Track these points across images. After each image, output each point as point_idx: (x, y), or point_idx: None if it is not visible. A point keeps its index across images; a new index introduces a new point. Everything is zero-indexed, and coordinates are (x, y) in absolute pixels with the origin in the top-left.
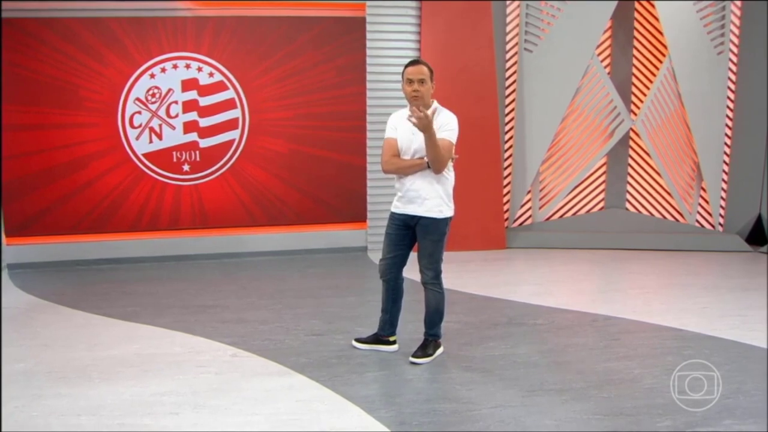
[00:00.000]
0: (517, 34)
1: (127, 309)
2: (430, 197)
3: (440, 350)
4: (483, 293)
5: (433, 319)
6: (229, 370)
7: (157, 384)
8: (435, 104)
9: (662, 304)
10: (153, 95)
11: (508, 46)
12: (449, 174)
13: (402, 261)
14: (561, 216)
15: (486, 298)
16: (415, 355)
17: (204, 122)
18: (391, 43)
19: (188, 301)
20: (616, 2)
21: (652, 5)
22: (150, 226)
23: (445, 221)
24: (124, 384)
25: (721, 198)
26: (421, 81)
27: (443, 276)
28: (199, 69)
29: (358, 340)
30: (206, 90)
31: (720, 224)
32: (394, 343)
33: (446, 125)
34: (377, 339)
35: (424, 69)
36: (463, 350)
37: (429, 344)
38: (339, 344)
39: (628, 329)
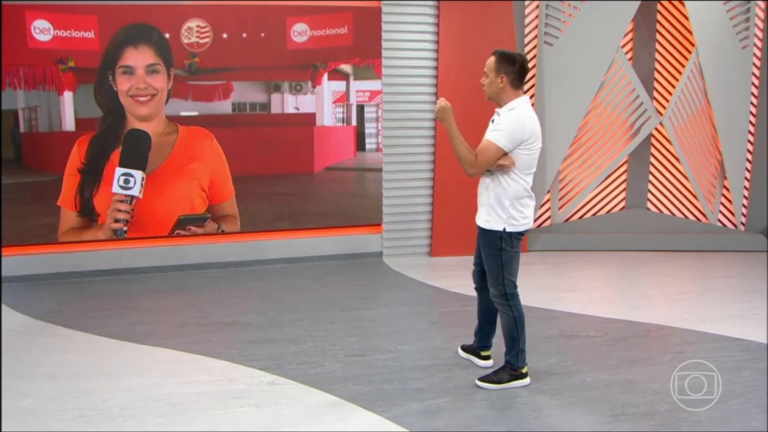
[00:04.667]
0: (535, 27)
1: (136, 328)
2: (482, 204)
3: (518, 383)
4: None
5: (506, 342)
6: (271, 402)
7: (191, 422)
8: (512, 104)
9: (711, 311)
10: None
11: (526, 39)
12: (507, 181)
13: (484, 272)
14: (581, 217)
15: (525, 307)
16: (482, 378)
17: None
18: (408, 37)
19: (203, 317)
20: (640, 1)
21: (681, 3)
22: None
23: (495, 234)
24: (152, 423)
25: (743, 196)
26: (485, 73)
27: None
28: None
29: (463, 348)
30: None
31: (742, 223)
32: (486, 358)
33: (496, 125)
34: (473, 350)
35: (489, 59)
36: None
37: (503, 371)
38: (386, 365)
39: (687, 340)
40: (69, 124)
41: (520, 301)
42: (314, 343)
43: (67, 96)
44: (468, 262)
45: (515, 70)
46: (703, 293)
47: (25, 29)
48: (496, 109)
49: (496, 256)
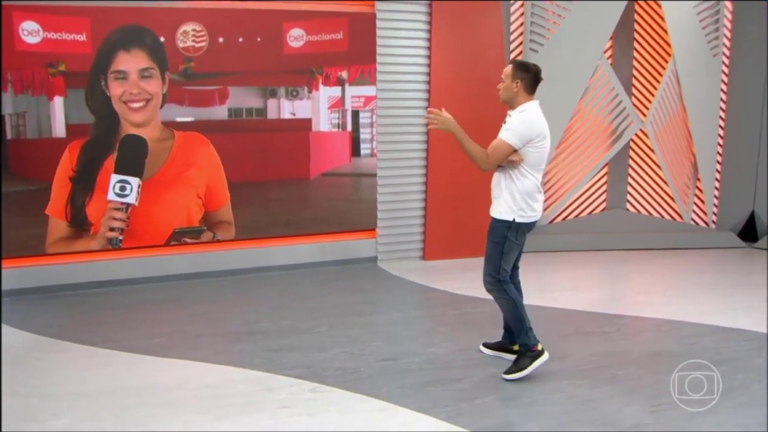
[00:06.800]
0: (521, 34)
1: (151, 340)
2: (495, 198)
3: (539, 361)
4: (525, 301)
5: (514, 327)
6: (321, 410)
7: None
8: (523, 107)
9: (706, 305)
10: None
11: (512, 46)
12: (518, 177)
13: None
14: (564, 218)
15: (531, 306)
16: (507, 371)
17: None
18: (402, 43)
19: (215, 327)
20: (625, 2)
21: (651, 6)
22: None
23: (504, 224)
24: None
25: (714, 197)
26: (502, 79)
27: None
28: None
29: (485, 345)
30: None
31: (713, 222)
32: (516, 352)
33: (507, 125)
34: (501, 346)
35: (507, 67)
36: (555, 364)
37: (522, 357)
38: (422, 368)
39: (697, 332)
40: (59, 130)
41: (511, 286)
42: (342, 349)
43: (58, 101)
44: (462, 264)
45: (530, 77)
46: (694, 288)
47: (13, 31)
48: (509, 112)
49: (499, 244)
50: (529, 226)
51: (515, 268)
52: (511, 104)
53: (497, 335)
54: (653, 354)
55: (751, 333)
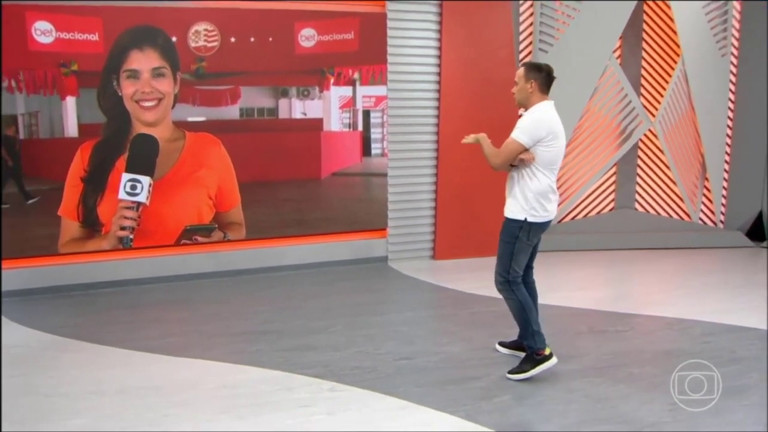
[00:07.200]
0: (530, 34)
1: (166, 340)
2: (509, 197)
3: (544, 365)
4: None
5: (521, 327)
6: (341, 409)
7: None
8: (536, 107)
9: (716, 304)
10: None
11: (521, 46)
12: (531, 176)
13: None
14: (573, 218)
15: (543, 305)
16: (511, 371)
17: None
18: (412, 43)
19: (229, 327)
20: (634, 2)
21: (659, 6)
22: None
23: (515, 224)
24: None
25: (722, 196)
26: (516, 83)
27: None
28: None
29: (501, 344)
30: None
31: (721, 221)
32: None
33: (518, 125)
34: (518, 345)
35: (519, 70)
36: (570, 363)
37: (526, 359)
38: (438, 367)
39: (710, 331)
40: (72, 130)
41: (521, 288)
42: (358, 348)
43: (70, 101)
44: (472, 264)
45: (542, 76)
46: (703, 288)
47: (26, 31)
48: (520, 111)
49: (510, 243)
50: (542, 227)
51: (529, 268)
52: (526, 105)
53: (511, 334)
54: (667, 353)
55: (763, 332)
